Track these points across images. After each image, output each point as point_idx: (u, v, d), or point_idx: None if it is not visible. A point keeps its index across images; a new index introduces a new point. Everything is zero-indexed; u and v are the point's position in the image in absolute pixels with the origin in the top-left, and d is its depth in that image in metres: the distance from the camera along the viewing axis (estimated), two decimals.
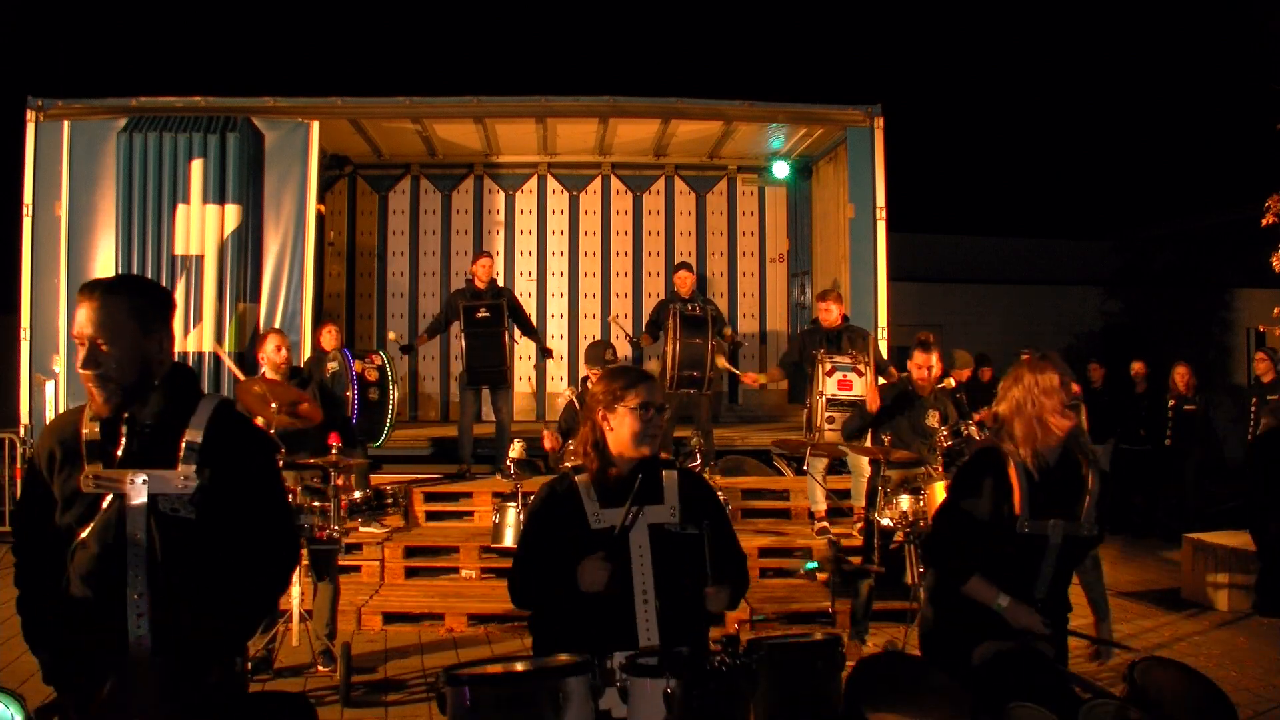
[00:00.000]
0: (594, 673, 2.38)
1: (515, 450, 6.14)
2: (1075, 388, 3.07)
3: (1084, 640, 3.31)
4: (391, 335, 9.32)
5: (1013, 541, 2.97)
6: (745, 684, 2.33)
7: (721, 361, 8.54)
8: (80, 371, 2.32)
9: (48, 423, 2.56)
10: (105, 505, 2.30)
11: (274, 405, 5.29)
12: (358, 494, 5.61)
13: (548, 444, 5.96)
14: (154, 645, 2.26)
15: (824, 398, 7.19)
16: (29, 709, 2.18)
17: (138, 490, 2.30)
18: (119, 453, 2.34)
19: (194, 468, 2.32)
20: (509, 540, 5.98)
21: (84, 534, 2.30)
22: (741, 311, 11.56)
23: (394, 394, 7.64)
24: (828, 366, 7.25)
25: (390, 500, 5.86)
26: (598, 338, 10.60)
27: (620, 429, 2.83)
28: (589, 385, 5.98)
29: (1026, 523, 2.97)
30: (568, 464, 5.50)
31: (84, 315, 2.31)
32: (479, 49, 31.25)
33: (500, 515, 6.08)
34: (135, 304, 2.34)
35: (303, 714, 2.50)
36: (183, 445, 2.33)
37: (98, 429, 2.36)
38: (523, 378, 9.33)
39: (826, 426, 7.13)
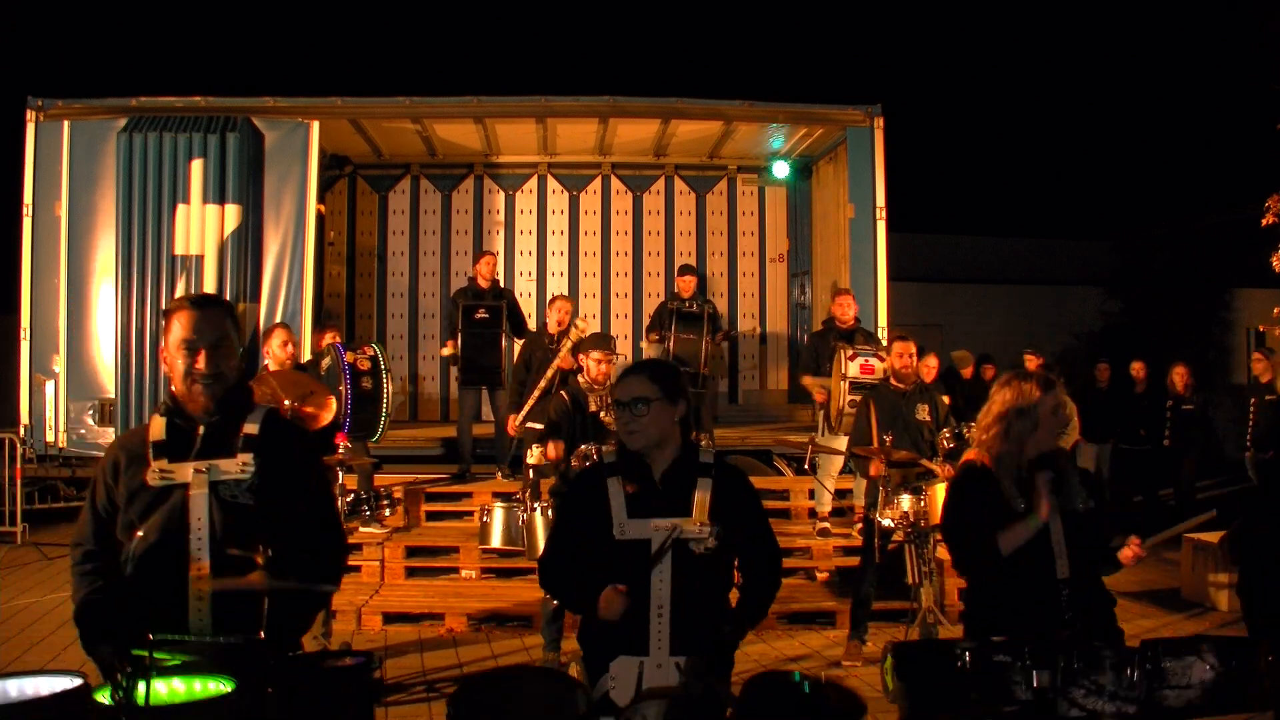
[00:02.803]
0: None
1: (534, 456, 5.88)
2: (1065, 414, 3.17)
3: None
4: (445, 350, 9.13)
5: None
6: None
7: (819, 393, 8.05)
8: (201, 371, 2.50)
9: (113, 440, 2.73)
10: (170, 496, 2.46)
11: (286, 402, 5.17)
12: (352, 494, 5.57)
13: (551, 453, 5.60)
14: (214, 629, 2.40)
15: (847, 380, 7.15)
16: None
17: (200, 479, 2.47)
18: (190, 450, 2.51)
19: (251, 455, 2.51)
20: (496, 541, 5.86)
21: (146, 526, 2.45)
22: (741, 311, 11.55)
23: (388, 384, 7.61)
24: (849, 352, 7.23)
25: (386, 500, 5.83)
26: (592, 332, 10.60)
27: (618, 428, 2.88)
28: (579, 376, 5.85)
29: (1019, 500, 3.05)
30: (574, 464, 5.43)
31: (197, 321, 2.53)
32: (479, 49, 31.27)
33: (489, 516, 5.96)
34: (233, 317, 2.65)
35: (352, 682, 2.48)
36: (240, 438, 2.53)
37: (163, 431, 2.54)
38: None
39: (849, 410, 7.06)
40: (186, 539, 2.43)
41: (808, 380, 8.05)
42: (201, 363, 2.51)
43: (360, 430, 7.15)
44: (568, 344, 7.29)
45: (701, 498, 2.76)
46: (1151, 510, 10.20)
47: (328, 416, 5.43)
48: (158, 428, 2.55)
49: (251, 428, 2.55)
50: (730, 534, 2.77)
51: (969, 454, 3.26)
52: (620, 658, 2.64)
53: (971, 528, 3.09)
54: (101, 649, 2.44)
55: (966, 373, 10.69)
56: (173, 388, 2.59)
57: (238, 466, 2.49)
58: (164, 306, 2.70)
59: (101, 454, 2.70)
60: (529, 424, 7.07)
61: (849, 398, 7.08)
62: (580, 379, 5.76)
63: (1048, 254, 17.86)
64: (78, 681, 1.99)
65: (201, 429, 2.54)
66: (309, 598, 2.65)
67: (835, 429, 7.33)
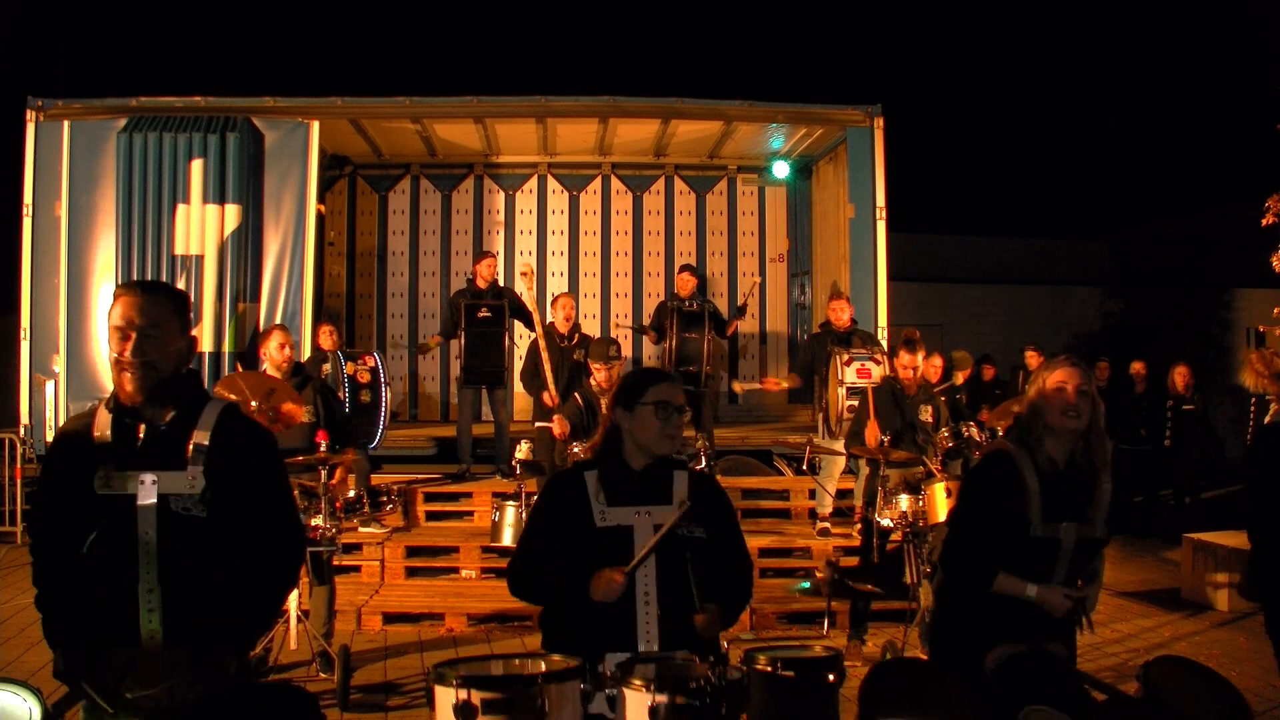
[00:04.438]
0: (584, 677, 2.35)
1: (522, 451, 6.07)
2: (1072, 395, 2.94)
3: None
4: (432, 341, 9.18)
5: (1026, 546, 2.93)
6: (736, 701, 2.29)
7: (739, 386, 9.67)
8: (126, 359, 2.39)
9: (60, 425, 2.63)
10: (117, 505, 2.37)
11: (253, 404, 5.11)
12: (352, 492, 5.56)
13: (557, 430, 5.84)
14: (166, 638, 2.33)
15: (844, 386, 7.14)
16: (46, 703, 2.23)
17: (148, 491, 2.37)
18: (135, 453, 2.41)
19: (202, 468, 2.40)
20: (508, 539, 5.95)
21: (96, 532, 2.36)
22: None
23: (387, 396, 7.65)
24: (845, 357, 7.21)
25: (385, 499, 5.82)
26: (598, 337, 10.61)
27: (638, 429, 2.80)
28: (590, 379, 5.92)
29: (1040, 526, 2.92)
30: (576, 449, 5.47)
31: (130, 307, 2.41)
32: (479, 49, 31.28)
33: (500, 514, 6.04)
34: (176, 303, 2.52)
35: (304, 706, 2.50)
36: (190, 447, 2.42)
37: (109, 431, 2.43)
38: None
39: (848, 415, 7.05)
40: (136, 549, 2.35)
41: (793, 376, 8.21)
42: (129, 350, 2.38)
43: (358, 439, 7.18)
44: (526, 288, 7.87)
45: (679, 486, 2.80)
46: (1151, 510, 10.20)
47: (299, 415, 5.42)
48: (103, 423, 2.44)
49: (202, 436, 2.43)
50: (706, 533, 2.79)
51: (998, 441, 3.16)
52: (608, 654, 2.62)
53: (975, 539, 3.00)
54: (56, 651, 2.41)
55: (961, 375, 10.68)
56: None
57: (187, 481, 2.39)
58: None
59: None
60: (539, 424, 7.12)
61: (847, 403, 7.08)
62: (590, 382, 5.84)
63: (1048, 254, 17.87)
64: (32, 704, 1.97)
65: (144, 428, 2.43)
66: (261, 612, 2.63)
67: (836, 433, 7.32)
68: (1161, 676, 2.74)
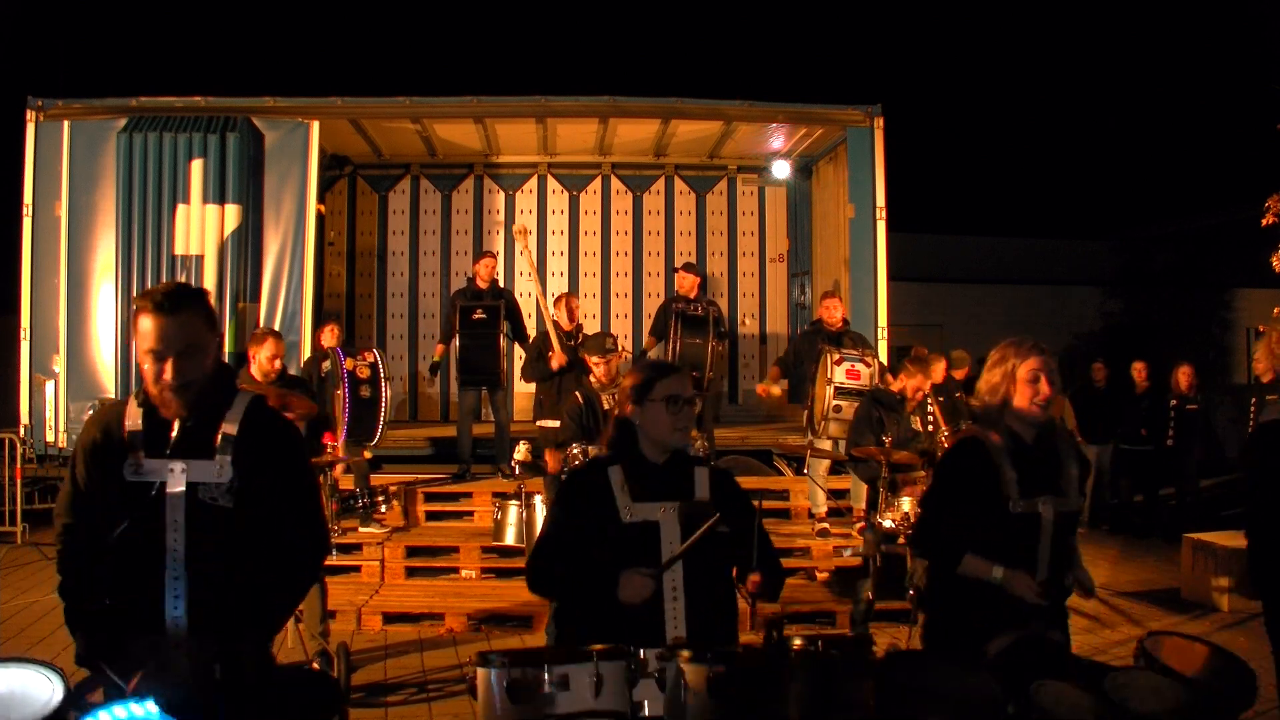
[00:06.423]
0: (630, 661, 2.30)
1: (520, 452, 6.03)
2: (1046, 385, 2.97)
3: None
4: (437, 353, 9.25)
5: (1007, 523, 2.94)
6: (785, 675, 2.25)
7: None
8: (166, 383, 2.39)
9: (91, 414, 2.65)
10: (146, 492, 2.41)
11: None
12: (347, 493, 5.54)
13: (551, 466, 5.71)
14: (190, 627, 2.37)
15: (833, 385, 7.12)
16: (69, 682, 2.20)
17: (177, 479, 2.42)
18: (166, 444, 2.45)
19: (230, 458, 2.45)
20: (510, 539, 5.95)
21: (124, 520, 2.41)
22: (741, 311, 11.55)
23: (387, 391, 7.63)
24: (835, 356, 7.20)
25: (383, 498, 5.81)
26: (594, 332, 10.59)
27: (650, 424, 2.81)
28: (589, 376, 5.89)
29: (1018, 502, 2.94)
30: (575, 450, 5.44)
31: (161, 331, 2.39)
32: (479, 49, 31.30)
33: (502, 513, 6.03)
34: (205, 315, 2.50)
35: (326, 690, 2.54)
36: (219, 437, 2.46)
37: (141, 421, 2.47)
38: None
39: (833, 415, 7.05)
40: (163, 537, 2.39)
41: (767, 380, 8.20)
42: (169, 373, 2.39)
43: (358, 435, 7.17)
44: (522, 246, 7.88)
45: (700, 482, 2.82)
46: (1151, 510, 10.20)
47: (312, 411, 5.43)
48: (134, 416, 2.49)
49: (230, 427, 2.47)
50: (730, 525, 2.76)
51: (965, 427, 3.19)
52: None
53: (943, 520, 3.02)
54: (77, 637, 2.46)
55: (959, 373, 10.68)
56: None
57: (215, 469, 2.43)
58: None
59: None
60: (541, 423, 7.10)
61: (834, 402, 7.08)
62: (590, 379, 5.82)
63: (1047, 254, 17.88)
64: (55, 683, 1.97)
65: (177, 423, 2.48)
66: (284, 599, 2.65)
67: (819, 433, 7.32)
68: (1160, 650, 2.72)
